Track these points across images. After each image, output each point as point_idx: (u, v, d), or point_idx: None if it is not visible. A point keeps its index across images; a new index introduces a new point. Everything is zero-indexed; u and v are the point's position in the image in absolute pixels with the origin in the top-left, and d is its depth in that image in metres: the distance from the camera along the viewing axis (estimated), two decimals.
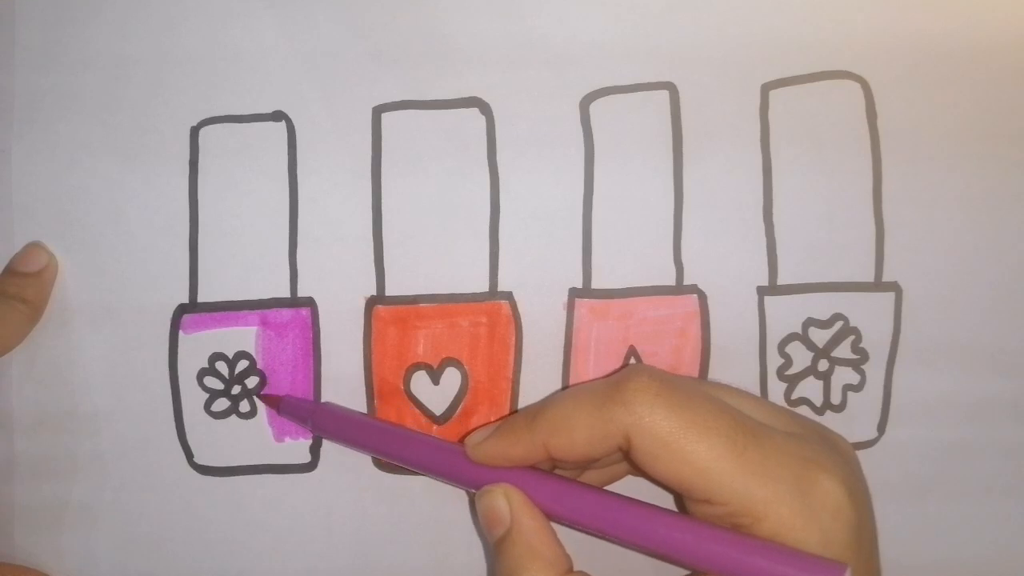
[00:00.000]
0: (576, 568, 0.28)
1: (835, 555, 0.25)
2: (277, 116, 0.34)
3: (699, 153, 0.33)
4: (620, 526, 0.27)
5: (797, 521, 0.25)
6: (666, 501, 0.31)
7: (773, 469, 0.26)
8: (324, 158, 0.34)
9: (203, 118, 0.33)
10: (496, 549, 0.28)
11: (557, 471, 0.30)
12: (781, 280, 0.33)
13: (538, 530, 0.28)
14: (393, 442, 0.32)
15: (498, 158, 0.33)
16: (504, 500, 0.28)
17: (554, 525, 0.28)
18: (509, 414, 0.34)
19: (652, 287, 0.33)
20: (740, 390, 0.31)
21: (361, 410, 0.34)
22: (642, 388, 0.27)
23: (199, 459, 0.34)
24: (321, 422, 0.32)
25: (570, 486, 0.29)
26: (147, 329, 0.33)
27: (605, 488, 0.31)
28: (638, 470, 0.28)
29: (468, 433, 0.30)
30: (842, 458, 0.28)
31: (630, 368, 0.28)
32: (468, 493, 0.33)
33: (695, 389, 0.28)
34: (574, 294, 0.33)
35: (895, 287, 0.33)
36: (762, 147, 0.33)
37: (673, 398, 0.27)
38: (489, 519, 0.29)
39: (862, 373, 0.34)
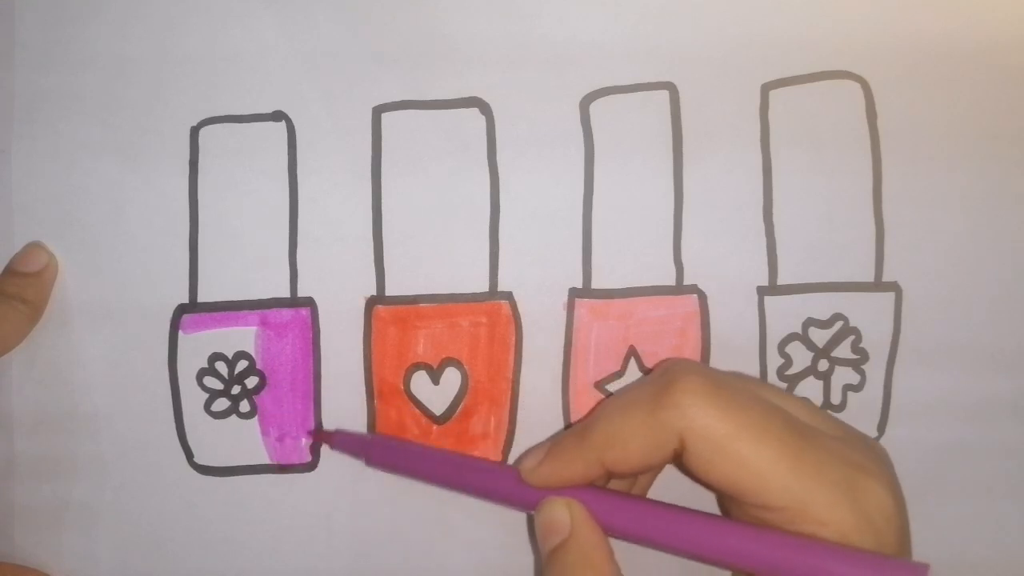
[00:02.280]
0: None
1: None
2: (277, 116, 0.34)
3: (699, 153, 0.33)
4: (690, 540, 0.27)
5: (857, 524, 0.25)
6: (706, 498, 0.31)
7: (829, 473, 0.26)
8: (324, 158, 0.34)
9: (203, 118, 0.33)
10: (549, 558, 0.28)
11: (613, 482, 0.30)
12: (781, 280, 0.33)
13: (596, 544, 0.28)
14: (448, 469, 0.31)
15: (498, 158, 0.33)
16: (566, 511, 0.28)
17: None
18: (510, 415, 0.34)
19: (652, 287, 0.33)
20: (779, 388, 0.31)
21: (361, 410, 0.34)
22: (691, 390, 0.26)
23: (199, 459, 0.34)
24: (375, 454, 0.32)
25: (632, 501, 0.29)
26: (147, 329, 0.33)
27: (654, 482, 0.32)
28: (688, 473, 0.28)
29: (520, 457, 0.30)
30: (883, 462, 0.28)
31: (675, 367, 0.28)
32: (527, 514, 0.33)
33: (743, 389, 0.27)
34: (574, 294, 0.33)
35: (895, 287, 0.33)
36: (762, 147, 0.33)
37: (724, 399, 0.26)
38: (547, 529, 0.28)
39: (862, 373, 0.34)
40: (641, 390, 0.28)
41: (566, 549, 0.28)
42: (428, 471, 0.32)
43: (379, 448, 0.33)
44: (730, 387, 0.27)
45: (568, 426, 0.34)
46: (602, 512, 0.28)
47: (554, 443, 0.29)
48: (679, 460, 0.27)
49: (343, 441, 0.33)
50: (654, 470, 0.31)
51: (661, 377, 0.27)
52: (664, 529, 0.27)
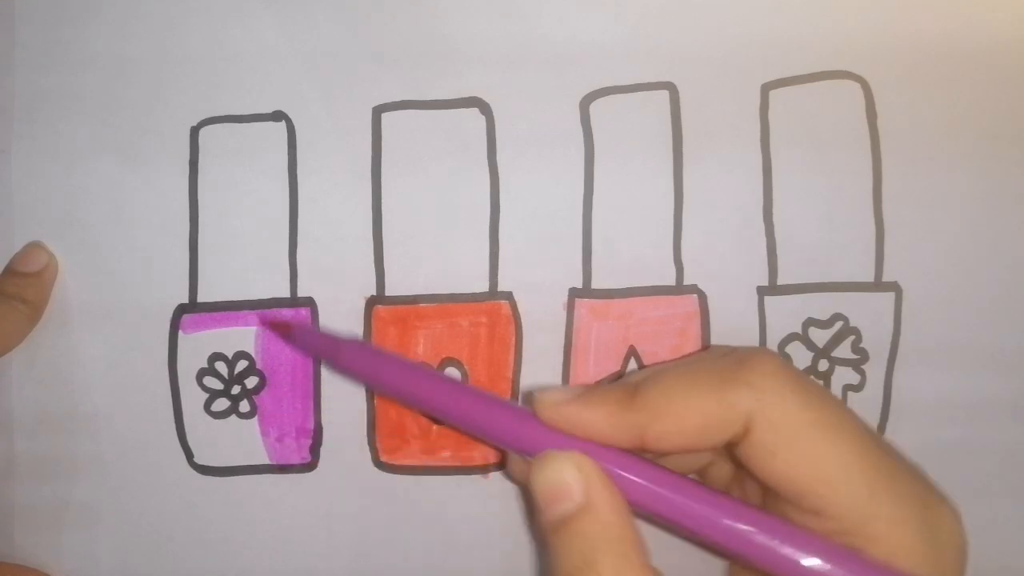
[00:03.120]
0: None
1: None
2: (277, 116, 0.34)
3: (699, 153, 0.33)
4: (729, 534, 0.23)
5: (920, 548, 0.23)
6: None
7: (902, 489, 0.23)
8: (324, 158, 0.34)
9: (203, 118, 0.33)
10: (557, 529, 0.23)
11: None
12: (781, 280, 0.33)
13: (619, 510, 0.23)
14: (439, 392, 0.27)
15: (498, 158, 0.33)
16: (576, 471, 0.23)
17: None
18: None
19: (652, 287, 0.33)
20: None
21: (361, 410, 0.34)
22: (771, 372, 0.23)
23: (199, 459, 0.34)
24: (348, 360, 0.28)
25: (661, 472, 0.24)
26: (147, 329, 0.33)
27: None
28: (738, 462, 0.24)
29: (540, 391, 0.25)
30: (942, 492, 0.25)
31: (752, 348, 0.25)
32: (518, 459, 0.29)
33: (819, 384, 0.25)
34: (574, 294, 0.33)
35: (895, 287, 0.33)
36: (762, 147, 0.33)
37: (803, 386, 0.23)
38: (551, 492, 0.23)
39: (862, 373, 0.34)
40: (712, 362, 0.24)
41: (585, 520, 0.23)
42: (404, 387, 0.27)
43: (354, 353, 0.29)
44: (810, 379, 0.24)
45: None
46: (620, 480, 0.23)
47: (592, 389, 0.25)
48: (732, 451, 0.24)
49: (305, 339, 0.30)
50: (694, 458, 0.28)
51: (731, 354, 0.24)
52: (701, 513, 0.23)
